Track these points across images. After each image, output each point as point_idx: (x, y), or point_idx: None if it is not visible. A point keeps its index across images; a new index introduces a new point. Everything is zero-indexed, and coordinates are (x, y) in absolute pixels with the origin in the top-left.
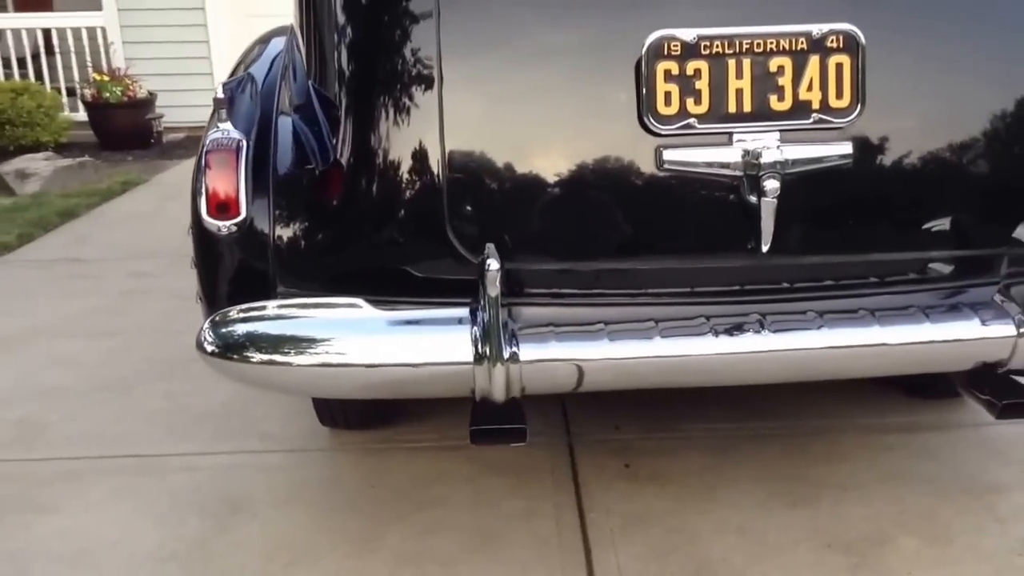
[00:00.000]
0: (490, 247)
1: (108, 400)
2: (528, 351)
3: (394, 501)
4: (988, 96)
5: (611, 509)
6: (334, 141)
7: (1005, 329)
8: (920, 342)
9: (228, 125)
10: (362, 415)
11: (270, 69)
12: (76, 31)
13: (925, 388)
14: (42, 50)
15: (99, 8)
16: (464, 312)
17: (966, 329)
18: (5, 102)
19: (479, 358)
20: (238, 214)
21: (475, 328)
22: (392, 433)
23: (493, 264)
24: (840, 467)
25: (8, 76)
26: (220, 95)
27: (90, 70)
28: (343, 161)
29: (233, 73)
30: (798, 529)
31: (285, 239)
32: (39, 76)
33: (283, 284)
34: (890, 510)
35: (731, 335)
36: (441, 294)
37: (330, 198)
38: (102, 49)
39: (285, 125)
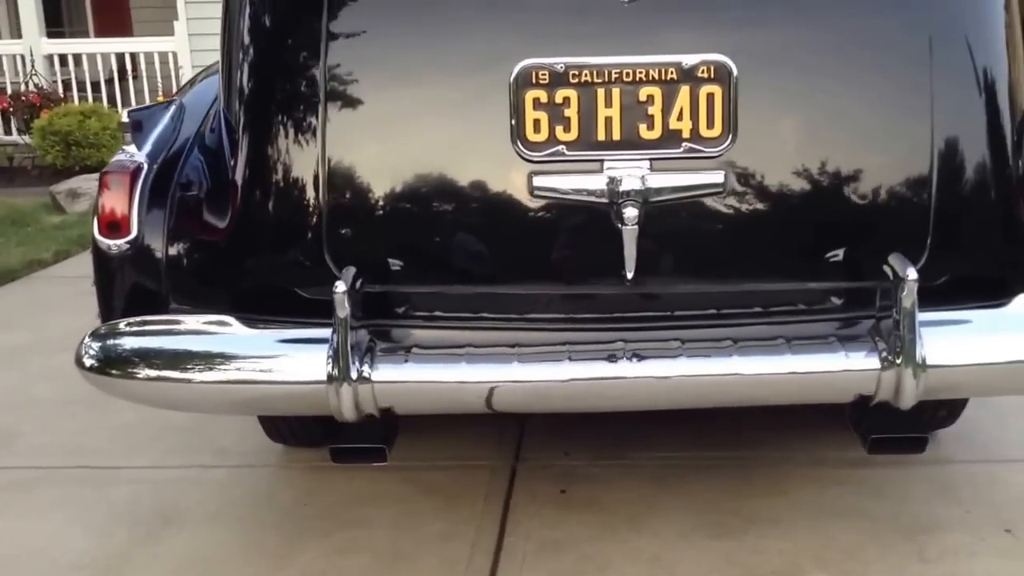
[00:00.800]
0: (347, 271)
1: (82, 413)
2: (383, 372)
3: (320, 519)
4: (860, 129)
5: (532, 534)
6: (232, 164)
7: (869, 362)
8: (779, 373)
9: (133, 148)
10: (308, 432)
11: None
12: (149, 56)
13: None
14: (115, 74)
15: (172, 34)
16: (326, 333)
17: (828, 362)
18: (72, 124)
19: (330, 378)
20: (128, 233)
21: (330, 349)
22: None
23: (340, 287)
24: (779, 500)
25: (83, 99)
26: (126, 120)
27: (159, 93)
28: (235, 185)
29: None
30: (712, 561)
31: (177, 258)
32: (112, 100)
33: (175, 302)
34: (813, 546)
35: (589, 362)
36: (324, 315)
37: (222, 220)
38: (172, 73)
39: (198, 149)
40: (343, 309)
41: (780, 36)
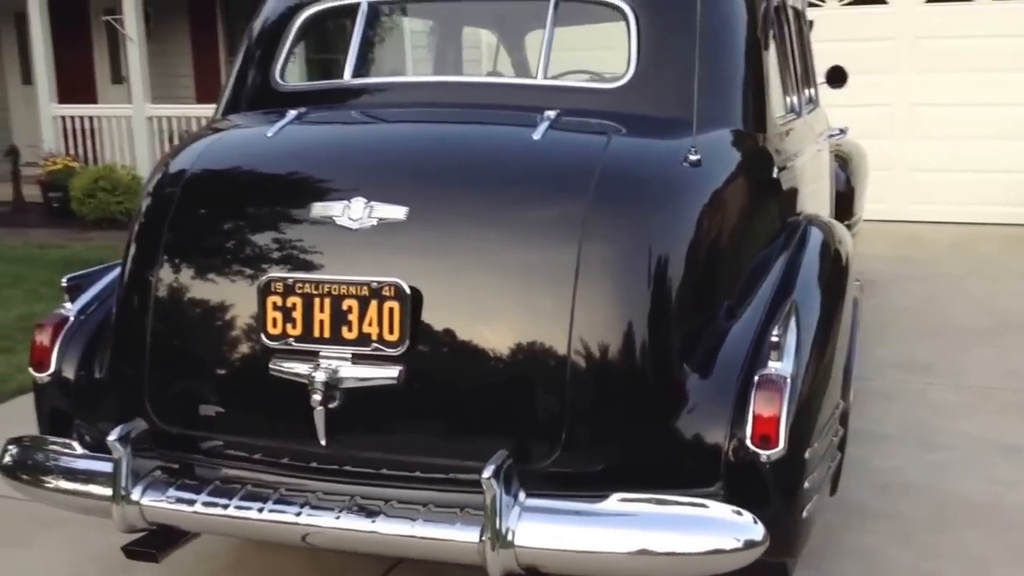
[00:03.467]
0: (129, 423)
1: None
2: (149, 497)
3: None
4: (507, 340)
5: None
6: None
7: (471, 535)
8: (406, 535)
9: (68, 304)
10: None
11: None
12: None
13: None
14: None
15: None
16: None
17: (444, 531)
18: None
19: (110, 497)
20: (49, 368)
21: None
22: None
23: (112, 434)
24: None
25: None
26: (64, 284)
27: None
28: (111, 340)
29: None
30: None
31: (80, 390)
32: None
33: (78, 420)
34: None
35: (279, 507)
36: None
37: (102, 362)
38: None
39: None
40: (117, 451)
41: (447, 263)
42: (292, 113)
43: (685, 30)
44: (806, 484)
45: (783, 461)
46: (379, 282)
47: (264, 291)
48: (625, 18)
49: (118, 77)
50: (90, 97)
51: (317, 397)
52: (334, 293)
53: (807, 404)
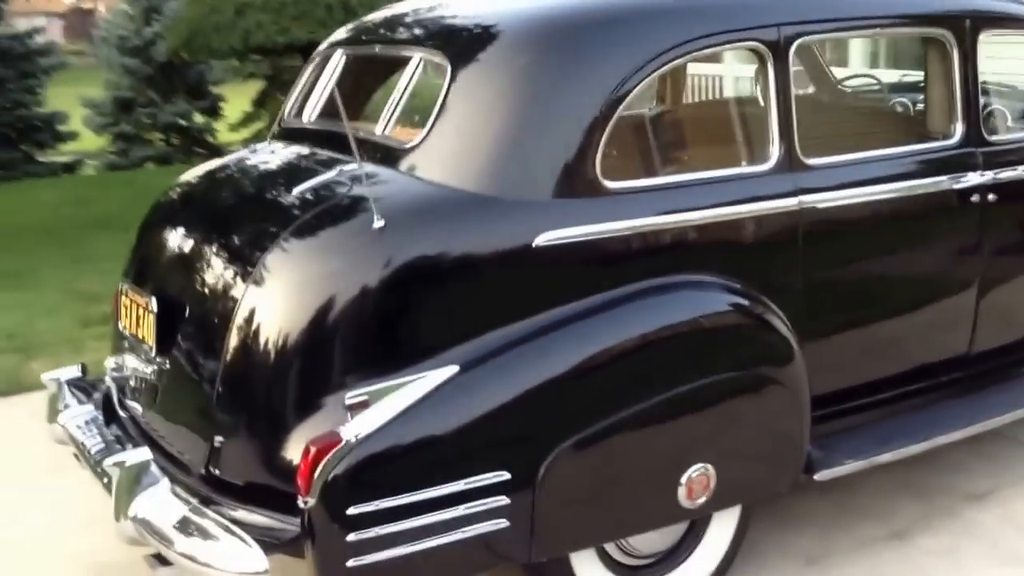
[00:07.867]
0: (61, 370)
1: None
2: (69, 422)
3: None
4: (200, 359)
5: None
6: None
7: None
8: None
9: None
10: None
11: None
12: None
13: None
14: None
15: None
16: None
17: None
18: None
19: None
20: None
21: None
22: None
23: (45, 375)
24: None
25: None
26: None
27: None
28: None
29: None
30: None
31: None
32: None
33: None
34: None
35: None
36: None
37: None
38: None
39: None
40: (50, 386)
41: (187, 289)
42: (243, 152)
43: (471, 99)
44: (351, 537)
45: (317, 510)
46: (147, 299)
47: (119, 293)
48: (443, 80)
49: None
50: None
51: (125, 377)
52: (136, 303)
53: (377, 467)
